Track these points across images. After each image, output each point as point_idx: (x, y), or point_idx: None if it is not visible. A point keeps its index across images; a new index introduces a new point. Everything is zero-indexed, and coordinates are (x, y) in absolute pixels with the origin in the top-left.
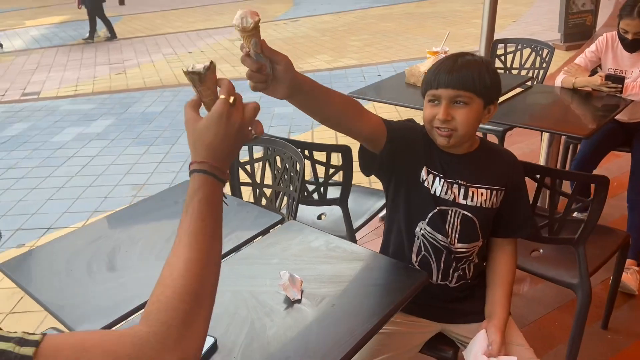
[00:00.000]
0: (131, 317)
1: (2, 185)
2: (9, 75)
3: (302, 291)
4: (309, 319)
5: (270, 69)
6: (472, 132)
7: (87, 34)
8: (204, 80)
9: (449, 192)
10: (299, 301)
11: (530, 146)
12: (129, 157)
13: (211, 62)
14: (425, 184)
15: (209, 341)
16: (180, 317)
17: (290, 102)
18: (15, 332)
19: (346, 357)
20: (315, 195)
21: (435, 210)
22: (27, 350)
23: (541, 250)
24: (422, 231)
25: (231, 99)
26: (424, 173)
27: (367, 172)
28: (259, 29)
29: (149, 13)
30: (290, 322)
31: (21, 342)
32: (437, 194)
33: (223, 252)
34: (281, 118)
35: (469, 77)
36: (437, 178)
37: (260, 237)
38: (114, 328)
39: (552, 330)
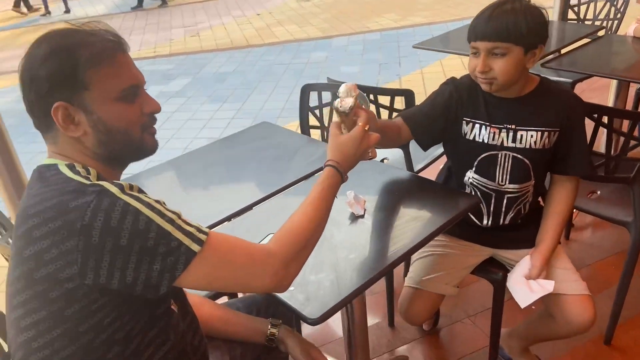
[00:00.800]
0: (220, 225)
1: None
2: None
3: (365, 209)
4: (370, 230)
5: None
6: (513, 78)
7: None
8: (348, 115)
9: (497, 137)
10: (362, 216)
11: (603, 102)
12: (205, 113)
13: (354, 102)
14: (468, 136)
15: None
16: (297, 248)
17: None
18: (193, 224)
19: (400, 260)
20: None
21: (481, 157)
22: (202, 237)
23: (598, 192)
24: (470, 179)
25: (367, 127)
26: (464, 127)
27: (424, 149)
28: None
29: None
30: (354, 232)
31: (199, 230)
32: (485, 140)
33: (299, 176)
34: (347, 76)
35: (504, 27)
36: (483, 126)
37: None
38: None
39: (607, 273)
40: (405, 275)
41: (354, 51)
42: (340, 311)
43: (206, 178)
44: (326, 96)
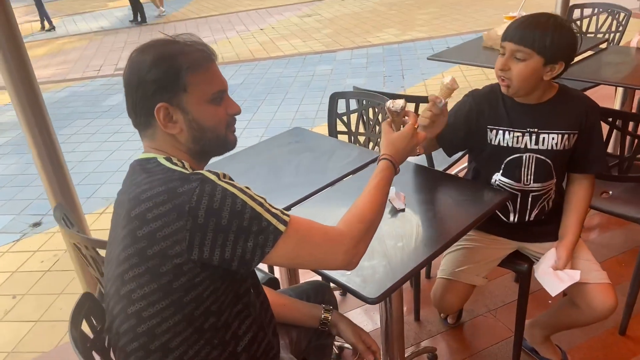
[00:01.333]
0: None
1: (110, 146)
2: (100, 53)
3: (405, 203)
4: (412, 222)
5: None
6: (527, 84)
7: (139, 18)
8: (399, 114)
9: (520, 140)
10: (403, 210)
11: None
12: None
13: (405, 103)
14: (494, 142)
15: None
16: (363, 230)
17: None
18: (276, 207)
19: (444, 247)
20: None
21: (507, 160)
22: (286, 218)
23: (611, 192)
24: (497, 182)
25: (416, 126)
26: (489, 134)
27: (449, 155)
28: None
29: None
30: (398, 224)
31: (282, 212)
32: (509, 144)
33: (339, 175)
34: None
35: (531, 34)
36: (507, 132)
37: (366, 168)
38: None
39: (617, 271)
40: (427, 274)
41: (358, 64)
42: (378, 305)
43: (250, 178)
44: (352, 102)
